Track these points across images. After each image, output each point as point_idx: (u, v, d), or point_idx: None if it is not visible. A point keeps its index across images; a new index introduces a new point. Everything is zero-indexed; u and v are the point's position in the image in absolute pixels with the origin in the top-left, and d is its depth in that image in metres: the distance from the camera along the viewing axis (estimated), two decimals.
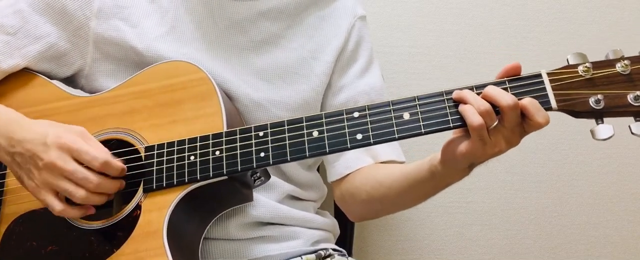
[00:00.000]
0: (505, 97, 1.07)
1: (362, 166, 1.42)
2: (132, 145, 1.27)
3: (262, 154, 1.18)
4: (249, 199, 1.30)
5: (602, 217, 1.99)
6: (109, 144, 1.28)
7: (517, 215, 1.95)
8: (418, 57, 1.92)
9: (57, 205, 1.19)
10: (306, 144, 1.16)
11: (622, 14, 2.03)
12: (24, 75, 1.38)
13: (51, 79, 1.39)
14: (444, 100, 1.12)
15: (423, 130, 1.11)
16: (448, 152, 1.16)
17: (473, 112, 1.08)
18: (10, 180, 1.31)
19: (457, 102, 1.11)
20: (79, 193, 1.18)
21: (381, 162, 1.43)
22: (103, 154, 1.19)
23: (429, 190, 1.30)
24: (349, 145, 1.14)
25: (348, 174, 1.43)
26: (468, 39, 1.95)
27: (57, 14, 1.35)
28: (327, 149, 1.15)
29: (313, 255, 1.38)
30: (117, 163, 1.21)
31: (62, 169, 1.17)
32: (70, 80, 1.42)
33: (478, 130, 1.08)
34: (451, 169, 1.18)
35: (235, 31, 1.38)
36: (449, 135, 1.16)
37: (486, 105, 1.08)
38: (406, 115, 1.12)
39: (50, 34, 1.36)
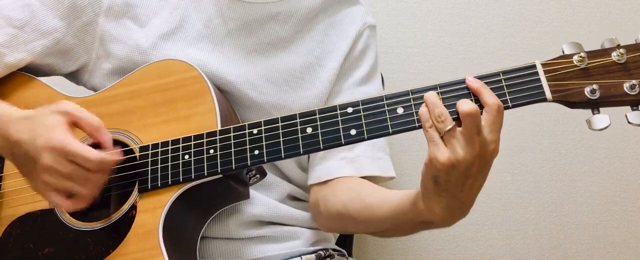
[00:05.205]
0: (463, 104, 1.03)
1: (341, 175, 1.37)
2: (127, 146, 1.27)
3: (256, 152, 1.17)
4: (246, 196, 1.30)
5: (602, 217, 1.99)
6: None
7: (517, 215, 1.95)
8: (418, 57, 1.92)
9: (66, 204, 1.17)
10: (300, 140, 1.15)
11: (622, 14, 2.02)
12: (18, 77, 1.38)
13: (53, 75, 1.39)
14: (438, 93, 1.09)
15: (417, 124, 1.09)
16: None
17: (424, 111, 1.06)
18: (7, 183, 1.31)
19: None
20: (84, 191, 1.15)
21: (364, 177, 1.37)
22: (95, 153, 1.14)
23: (406, 224, 1.22)
24: (343, 141, 1.13)
25: (326, 181, 1.38)
26: (468, 39, 1.95)
27: (66, 9, 1.35)
28: (321, 145, 1.14)
29: (313, 256, 1.38)
30: (110, 158, 1.16)
31: (60, 172, 1.15)
32: (74, 76, 1.43)
33: (426, 129, 1.05)
34: (425, 195, 1.11)
35: (244, 32, 1.38)
36: None
37: (441, 110, 1.04)
38: (400, 110, 1.10)
39: (58, 29, 1.35)
